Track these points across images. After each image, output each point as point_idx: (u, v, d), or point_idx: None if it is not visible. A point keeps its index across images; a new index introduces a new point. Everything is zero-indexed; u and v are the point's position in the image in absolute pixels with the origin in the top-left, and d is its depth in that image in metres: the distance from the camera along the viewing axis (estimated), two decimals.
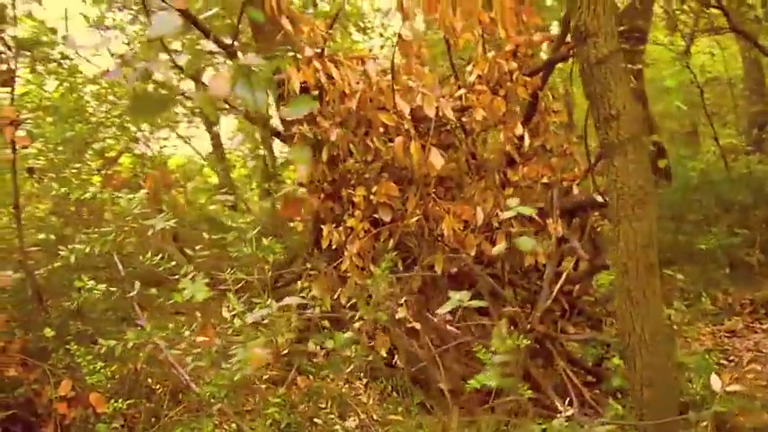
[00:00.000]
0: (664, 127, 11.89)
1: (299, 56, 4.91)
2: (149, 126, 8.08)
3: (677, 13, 10.53)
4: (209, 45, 8.12)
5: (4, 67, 4.54)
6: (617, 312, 3.21)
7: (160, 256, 3.49)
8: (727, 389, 2.98)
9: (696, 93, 10.08)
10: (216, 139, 10.68)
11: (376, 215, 5.07)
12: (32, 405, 4.22)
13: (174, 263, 3.50)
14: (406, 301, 4.71)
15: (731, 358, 6.08)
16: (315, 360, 4.23)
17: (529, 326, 4.68)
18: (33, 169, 5.22)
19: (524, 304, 5.37)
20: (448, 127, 5.52)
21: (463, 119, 5.48)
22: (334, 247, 5.06)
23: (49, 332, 4.25)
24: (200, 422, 3.94)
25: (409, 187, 5.19)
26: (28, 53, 6.37)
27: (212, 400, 3.78)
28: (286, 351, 4.51)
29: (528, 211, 3.10)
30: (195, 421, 4.04)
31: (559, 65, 6.27)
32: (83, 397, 4.06)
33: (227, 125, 12.08)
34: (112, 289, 3.94)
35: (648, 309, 2.95)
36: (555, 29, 9.51)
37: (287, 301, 3.27)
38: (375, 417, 4.53)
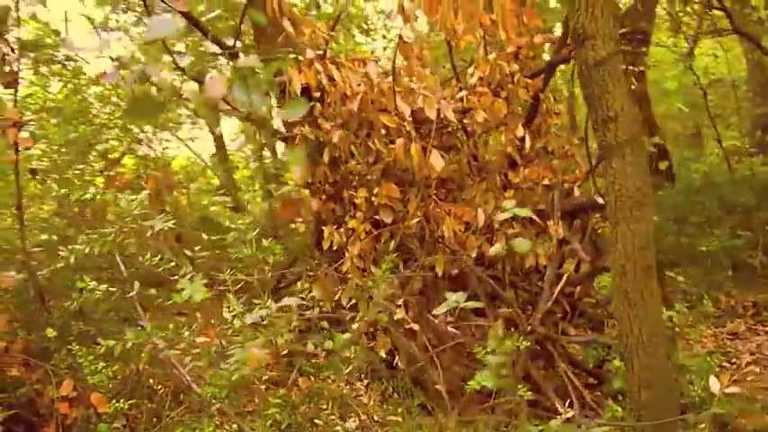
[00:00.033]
0: (667, 129, 11.88)
1: (300, 58, 4.93)
2: (152, 128, 8.11)
3: (680, 14, 10.52)
4: (213, 47, 8.14)
5: (7, 69, 4.56)
6: (615, 314, 3.21)
7: (160, 257, 3.50)
8: (726, 391, 2.98)
9: (699, 94, 10.07)
10: (219, 141, 10.71)
11: (377, 217, 5.08)
12: (34, 405, 4.25)
13: (173, 263, 3.51)
14: (407, 302, 4.73)
15: (733, 361, 6.07)
16: (314, 361, 4.24)
17: (529, 327, 4.68)
18: (36, 170, 5.24)
19: (525, 306, 5.38)
20: (449, 129, 5.53)
21: (465, 121, 5.49)
22: (334, 248, 5.07)
23: (51, 332, 4.28)
24: (201, 422, 3.96)
25: (410, 189, 5.20)
26: (32, 54, 6.39)
27: (213, 401, 3.79)
28: (287, 352, 4.51)
29: (524, 212, 3.10)
30: (196, 422, 4.06)
31: (562, 66, 6.28)
32: (84, 397, 4.08)
33: (231, 127, 12.13)
34: (114, 290, 3.95)
35: (646, 310, 2.95)
36: (558, 31, 9.51)
37: (286, 301, 3.28)
38: (376, 418, 4.54)
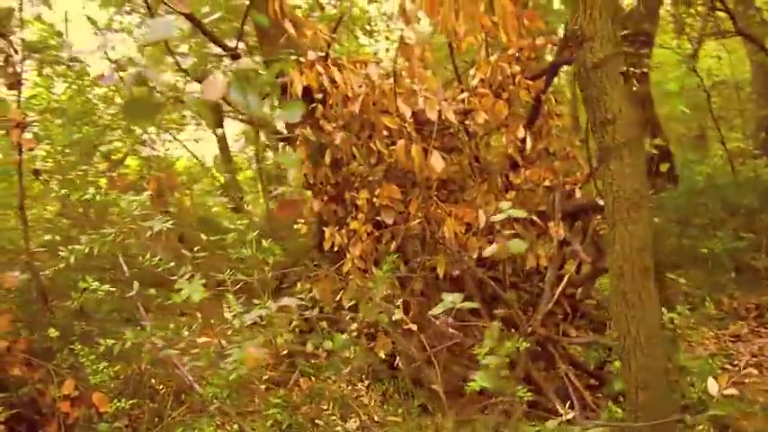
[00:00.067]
0: (671, 130, 11.86)
1: (302, 59, 4.95)
2: (156, 129, 8.15)
3: (684, 16, 10.51)
4: (218, 48, 8.17)
5: (10, 70, 4.59)
6: (612, 315, 3.22)
7: (159, 257, 3.52)
8: (725, 393, 2.99)
9: (703, 96, 10.05)
10: (222, 142, 10.74)
11: (378, 218, 5.10)
12: (36, 404, 4.28)
13: (172, 264, 3.53)
14: (408, 302, 4.74)
15: (735, 363, 6.06)
16: (314, 361, 4.26)
17: (530, 329, 4.69)
18: (39, 171, 5.27)
19: (527, 307, 5.38)
20: (451, 130, 5.54)
21: (466, 122, 5.50)
22: (335, 249, 5.09)
23: (53, 332, 4.31)
24: (202, 422, 3.98)
25: (412, 190, 5.22)
26: (37, 56, 6.43)
27: (215, 401, 3.81)
28: (288, 352, 4.53)
29: (519, 213, 3.12)
30: (198, 422, 4.08)
31: (566, 68, 6.28)
32: (86, 396, 4.12)
33: (235, 128, 12.16)
34: (115, 290, 3.97)
35: (644, 311, 2.96)
36: (561, 32, 9.50)
37: (284, 301, 3.30)
38: (376, 418, 4.56)
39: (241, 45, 9.07)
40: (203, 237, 4.07)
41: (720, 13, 9.50)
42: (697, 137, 13.15)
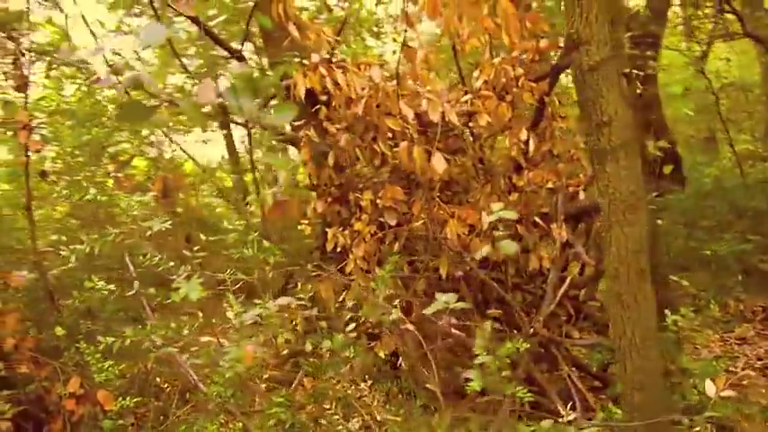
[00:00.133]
0: (680, 132, 11.83)
1: (305, 62, 4.99)
2: (165, 130, 8.22)
3: (692, 18, 10.48)
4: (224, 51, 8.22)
5: (18, 72, 4.65)
6: (609, 316, 3.24)
7: (159, 257, 3.57)
8: (723, 394, 2.99)
9: (713, 98, 10.02)
10: (230, 144, 10.78)
11: (382, 219, 5.13)
12: (43, 401, 4.35)
13: (179, 263, 3.59)
14: (410, 303, 4.77)
15: (739, 365, 6.05)
16: (312, 359, 4.29)
17: (531, 330, 4.70)
18: (46, 172, 5.34)
19: (530, 308, 5.39)
20: (455, 132, 5.57)
21: (470, 124, 5.52)
22: (339, 250, 5.13)
23: (59, 331, 4.37)
24: (206, 421, 4.03)
25: (415, 191, 5.25)
26: (46, 58, 6.51)
27: (219, 400, 3.86)
28: (292, 352, 4.56)
29: (511, 214, 3.14)
30: (202, 420, 4.12)
31: (571, 70, 6.27)
32: (91, 394, 4.17)
33: (243, 130, 12.17)
34: (121, 289, 4.03)
35: (639, 313, 2.97)
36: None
37: (282, 301, 3.34)
38: (378, 418, 4.58)
39: (249, 47, 9.16)
40: (203, 237, 4.11)
41: (729, 15, 9.49)
42: (706, 139, 13.09)
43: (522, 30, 4.86)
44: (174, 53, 4.39)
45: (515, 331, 5.01)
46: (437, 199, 5.18)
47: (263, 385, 4.19)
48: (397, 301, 3.99)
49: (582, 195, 5.38)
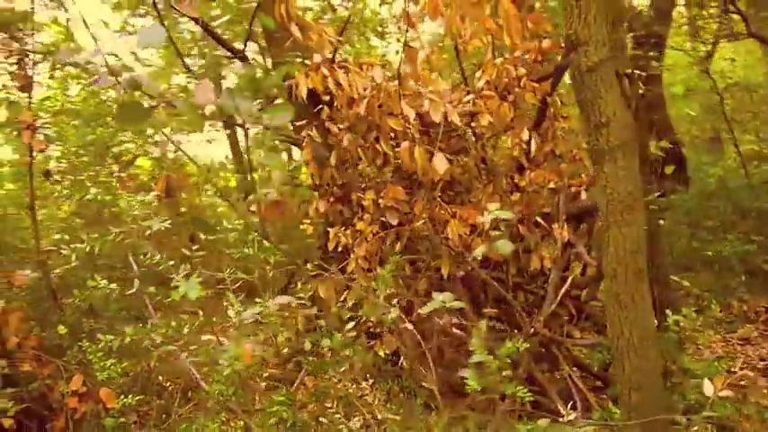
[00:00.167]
0: (685, 132, 11.81)
1: (307, 62, 5.01)
2: (168, 130, 8.23)
3: (697, 18, 10.46)
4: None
5: (23, 72, 4.68)
6: (606, 316, 3.25)
7: (159, 256, 3.60)
8: (720, 394, 3.00)
9: (718, 98, 10.00)
10: (234, 144, 10.82)
11: (384, 218, 5.15)
12: (46, 399, 4.38)
13: (178, 263, 3.61)
14: (412, 302, 4.78)
15: (742, 366, 6.04)
16: (311, 358, 4.31)
17: (532, 330, 4.71)
18: (50, 172, 5.37)
19: (531, 308, 5.40)
20: (458, 132, 5.58)
21: (472, 124, 5.53)
22: (340, 249, 5.15)
23: (62, 329, 4.40)
24: (207, 419, 4.05)
25: (418, 191, 5.26)
26: (50, 58, 6.54)
27: (221, 398, 3.88)
28: (292, 351, 4.58)
29: (507, 214, 3.16)
30: (203, 418, 4.15)
31: None
32: (94, 392, 4.20)
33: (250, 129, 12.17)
34: (118, 287, 4.05)
35: (637, 313, 2.98)
36: None
37: (282, 300, 3.35)
38: (379, 417, 4.60)
39: (254, 47, 9.19)
40: (203, 237, 4.13)
41: (734, 16, 9.46)
42: (711, 139, 13.06)
43: (524, 30, 4.86)
44: (178, 53, 4.42)
45: (516, 331, 5.02)
46: (438, 199, 5.19)
47: (263, 384, 4.20)
48: (395, 301, 4.00)
49: (584, 195, 5.39)
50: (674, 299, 6.03)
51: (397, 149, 5.17)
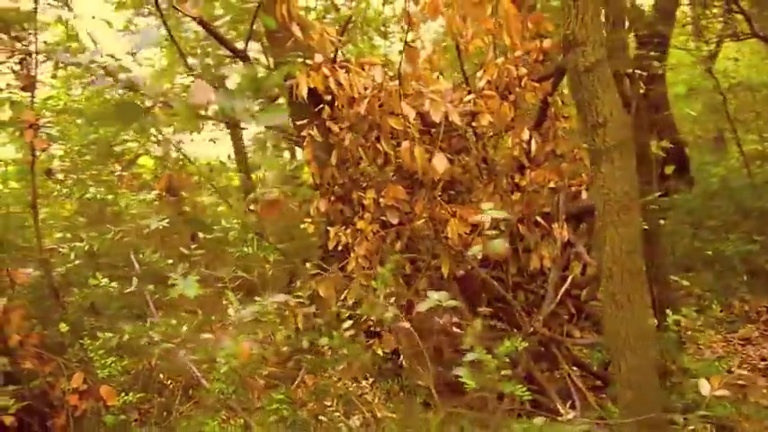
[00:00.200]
0: (689, 132, 11.80)
1: (308, 62, 5.03)
2: (170, 129, 8.26)
3: (701, 18, 10.44)
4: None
5: (25, 72, 4.71)
6: (603, 316, 3.26)
7: (158, 254, 3.63)
8: (716, 394, 3.01)
9: (721, 98, 9.99)
10: (238, 143, 10.81)
11: (384, 218, 5.16)
12: (47, 397, 4.40)
13: (179, 262, 3.63)
14: (411, 302, 4.79)
15: (743, 366, 6.04)
16: (311, 357, 4.33)
17: (532, 329, 4.72)
18: (52, 171, 5.40)
19: (531, 308, 5.41)
20: (459, 132, 5.59)
21: (473, 124, 5.54)
22: (340, 248, 5.16)
23: (63, 327, 4.43)
24: (206, 417, 4.08)
25: (418, 191, 5.28)
26: (53, 58, 6.56)
27: (221, 396, 3.91)
28: (292, 349, 4.60)
29: (500, 214, 3.18)
30: (203, 416, 4.17)
31: None
32: (94, 390, 4.22)
33: (251, 128, 12.21)
34: (119, 286, 4.08)
35: (633, 313, 2.99)
36: None
37: (278, 298, 3.38)
38: (379, 415, 4.62)
39: (257, 47, 9.20)
40: (202, 235, 4.15)
41: (738, 15, 9.45)
42: (715, 139, 13.04)
43: (524, 30, 4.87)
44: (180, 53, 4.44)
45: (516, 330, 5.03)
46: (439, 198, 5.21)
47: (263, 382, 4.22)
48: (393, 299, 4.02)
49: (584, 195, 5.40)
50: (675, 299, 6.02)
51: (397, 149, 5.18)
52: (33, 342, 4.41)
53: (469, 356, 2.69)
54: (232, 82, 2.08)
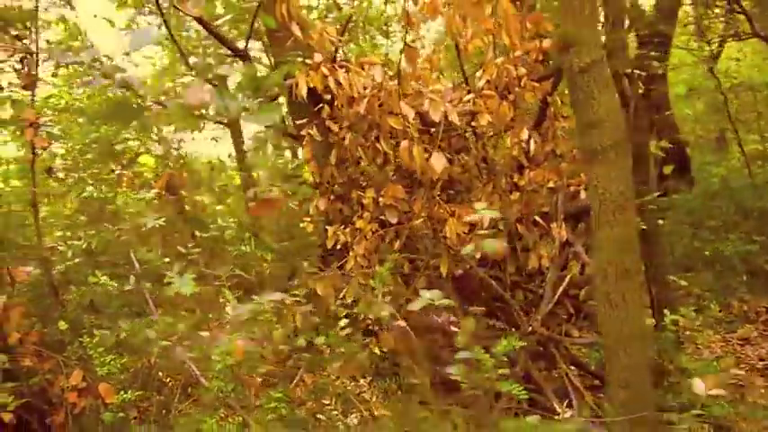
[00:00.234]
0: (689, 132, 11.79)
1: (308, 61, 5.05)
2: (169, 129, 8.28)
3: (703, 18, 10.43)
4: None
5: (26, 71, 4.73)
6: (597, 315, 3.27)
7: (151, 252, 3.65)
8: (711, 393, 3.02)
9: (722, 98, 9.99)
10: (238, 142, 10.82)
11: (383, 217, 5.18)
12: (46, 394, 4.42)
13: (176, 260, 3.65)
14: (409, 300, 4.81)
15: (742, 366, 6.05)
16: (309, 355, 4.35)
17: (530, 328, 4.74)
18: (52, 169, 5.42)
19: (530, 307, 5.42)
20: (459, 131, 5.60)
21: (472, 123, 5.55)
22: (339, 247, 5.18)
23: (63, 325, 4.45)
24: (205, 415, 4.09)
25: (417, 190, 5.29)
26: (56, 56, 6.58)
27: (220, 395, 3.92)
28: (290, 348, 4.62)
29: (492, 213, 3.19)
30: (201, 414, 4.19)
31: None
32: (93, 387, 4.25)
33: (251, 127, 12.22)
34: (119, 284, 4.10)
35: (627, 312, 3.00)
36: None
37: (274, 296, 3.39)
38: (376, 414, 4.64)
39: (259, 45, 9.22)
40: (199, 234, 4.17)
41: (740, 15, 9.44)
42: (717, 139, 13.03)
43: (524, 30, 4.88)
44: (180, 53, 4.45)
45: (514, 329, 5.04)
46: (438, 198, 5.22)
47: (260, 380, 4.24)
48: (388, 298, 4.04)
49: (583, 195, 5.40)
50: (674, 298, 6.03)
51: (397, 148, 5.19)
52: (33, 340, 4.43)
53: (462, 355, 2.70)
54: (232, 81, 2.10)
